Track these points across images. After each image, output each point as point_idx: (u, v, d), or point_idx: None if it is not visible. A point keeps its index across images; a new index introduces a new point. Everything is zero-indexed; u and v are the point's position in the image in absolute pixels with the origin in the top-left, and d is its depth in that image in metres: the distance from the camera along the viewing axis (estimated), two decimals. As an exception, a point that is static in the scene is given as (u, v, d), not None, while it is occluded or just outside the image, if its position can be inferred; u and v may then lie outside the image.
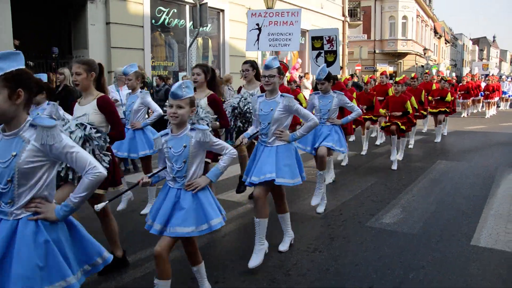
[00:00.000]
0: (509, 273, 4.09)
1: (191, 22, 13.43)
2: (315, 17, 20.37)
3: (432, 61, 44.29)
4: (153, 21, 12.96)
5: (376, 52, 35.52)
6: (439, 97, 11.82)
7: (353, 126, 8.61)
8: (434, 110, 11.87)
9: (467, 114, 19.93)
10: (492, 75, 25.21)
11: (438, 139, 11.88)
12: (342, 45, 23.11)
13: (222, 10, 14.98)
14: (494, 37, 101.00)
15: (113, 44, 11.59)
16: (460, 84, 19.73)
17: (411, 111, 8.52)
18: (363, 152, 10.08)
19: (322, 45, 8.63)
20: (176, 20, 13.69)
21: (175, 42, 13.92)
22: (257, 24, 8.60)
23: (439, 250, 4.55)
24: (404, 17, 35.65)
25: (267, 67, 4.17)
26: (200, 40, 14.71)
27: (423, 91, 10.65)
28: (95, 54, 11.41)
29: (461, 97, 18.54)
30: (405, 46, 35.73)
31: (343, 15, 23.08)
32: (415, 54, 37.29)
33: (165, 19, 13.28)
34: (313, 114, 5.35)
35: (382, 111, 8.79)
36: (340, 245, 4.80)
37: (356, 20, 25.79)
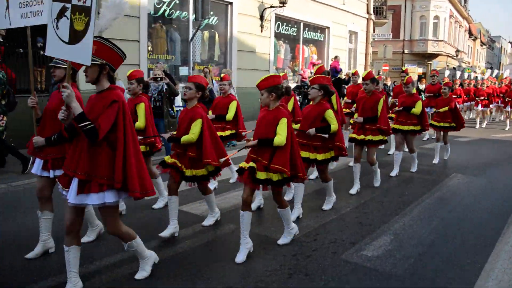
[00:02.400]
0: None
1: (195, 14, 12.44)
2: (336, 13, 19.10)
3: (465, 63, 42.11)
4: (152, 12, 12.03)
5: (405, 52, 33.75)
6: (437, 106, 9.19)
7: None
8: (435, 124, 9.14)
9: (484, 124, 16.83)
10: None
11: (436, 160, 9.18)
12: (366, 44, 21.79)
13: (231, 3, 13.92)
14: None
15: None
16: (465, 88, 17.82)
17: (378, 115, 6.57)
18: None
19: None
20: (178, 11, 12.72)
21: (178, 35, 12.96)
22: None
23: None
24: (436, 17, 33.73)
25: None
26: (206, 33, 13.70)
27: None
28: (85, 45, 10.54)
29: (479, 104, 16.58)
30: (436, 47, 33.82)
31: (368, 12, 21.68)
32: (447, 55, 35.31)
33: (165, 10, 12.32)
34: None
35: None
36: (297, 283, 3.70)
37: (381, 18, 24.23)
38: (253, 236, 4.67)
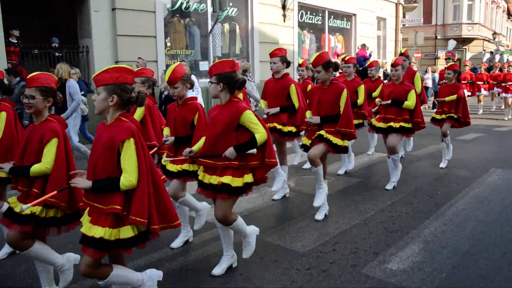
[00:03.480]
0: None
1: (213, 6, 12.00)
2: (364, -1, 18.31)
3: (504, 46, 40.20)
4: (168, 5, 11.67)
5: (438, 37, 32.39)
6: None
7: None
8: (437, 116, 7.41)
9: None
10: None
11: (443, 164, 7.51)
12: (395, 30, 20.87)
13: (251, -7, 13.45)
14: None
15: (119, 32, 10.40)
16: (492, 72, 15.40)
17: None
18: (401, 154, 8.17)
19: None
20: (195, 4, 12.31)
21: (197, 28, 12.56)
22: None
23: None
24: (471, -1, 32.24)
25: None
26: (226, 26, 13.26)
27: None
28: (100, 43, 10.31)
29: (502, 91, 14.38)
30: (471, 31, 32.29)
31: (397, -4, 20.75)
32: (483, 39, 33.66)
33: (182, 3, 11.93)
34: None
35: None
36: (308, 310, 3.23)
37: (412, 2, 23.18)
38: (265, 245, 4.22)
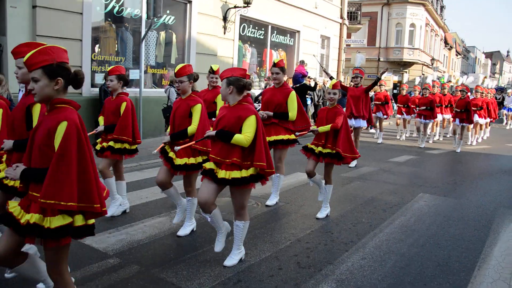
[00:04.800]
0: None
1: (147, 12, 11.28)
2: (308, 17, 18.14)
3: (440, 72, 41.72)
4: (98, 8, 10.85)
5: (381, 60, 33.05)
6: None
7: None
8: (314, 148, 5.53)
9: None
10: (487, 87, 16.97)
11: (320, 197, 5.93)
12: (339, 49, 20.88)
13: (190, 1, 12.80)
14: (508, 51, 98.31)
15: (39, 32, 9.45)
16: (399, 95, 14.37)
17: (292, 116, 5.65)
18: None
19: None
20: (129, 9, 11.54)
21: (130, 35, 11.78)
22: None
23: None
24: (412, 25, 33.14)
25: None
26: (162, 34, 12.55)
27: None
28: (17, 42, 9.23)
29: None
30: (412, 55, 33.20)
31: (341, 17, 20.79)
32: (422, 64, 34.72)
33: (114, 7, 11.14)
34: None
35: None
36: None
37: (356, 23, 23.39)
38: (156, 283, 3.55)
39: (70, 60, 7.49)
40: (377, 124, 13.45)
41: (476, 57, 69.76)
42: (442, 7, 44.38)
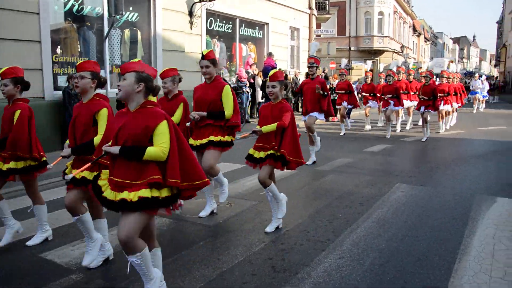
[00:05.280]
0: None
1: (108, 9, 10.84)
2: (276, 8, 17.90)
3: (411, 58, 42.13)
4: (56, 7, 10.37)
5: (351, 49, 33.13)
6: None
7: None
8: (255, 154, 4.91)
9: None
10: (451, 72, 15.86)
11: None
12: (308, 40, 20.71)
13: (154, -3, 12.43)
14: (474, 36, 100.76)
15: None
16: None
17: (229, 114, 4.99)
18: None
19: None
20: (89, 7, 11.09)
21: (92, 34, 11.33)
22: None
23: None
24: (381, 13, 33.32)
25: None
26: (127, 32, 12.13)
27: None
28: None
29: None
30: (382, 43, 33.41)
31: (310, 7, 20.62)
32: (392, 51, 34.96)
33: (73, 5, 10.67)
34: None
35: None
36: None
37: (324, 13, 23.28)
38: None
39: (30, 63, 7.28)
40: (345, 114, 13.19)
41: (444, 42, 70.95)
42: (409, -6, 44.76)
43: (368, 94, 13.80)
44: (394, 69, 14.13)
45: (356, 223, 5.09)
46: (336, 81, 15.90)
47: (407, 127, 14.33)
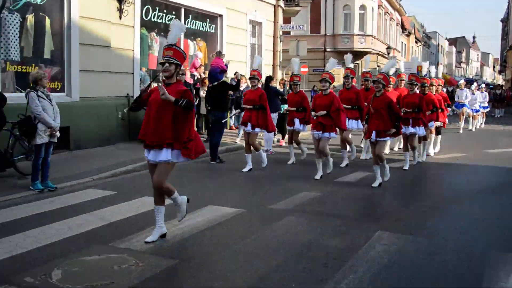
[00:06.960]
0: None
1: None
2: (234, -2, 17.17)
3: (400, 62, 42.25)
4: None
5: (327, 50, 32.76)
6: None
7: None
8: None
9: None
10: (431, 77, 14.60)
11: None
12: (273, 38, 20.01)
13: (66, -25, 11.36)
14: (474, 37, 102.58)
15: None
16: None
17: None
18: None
19: None
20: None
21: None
22: None
23: None
24: (363, 7, 33.16)
25: None
26: (30, 18, 10.96)
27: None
28: None
29: None
30: (364, 44, 33.20)
31: (276, -2, 20.01)
32: (377, 53, 34.80)
33: None
34: None
35: None
36: None
37: (293, 5, 22.66)
38: None
39: None
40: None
41: (438, 44, 72.15)
42: (396, -13, 45.14)
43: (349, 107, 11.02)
44: (391, 72, 12.44)
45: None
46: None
47: (395, 148, 13.35)
